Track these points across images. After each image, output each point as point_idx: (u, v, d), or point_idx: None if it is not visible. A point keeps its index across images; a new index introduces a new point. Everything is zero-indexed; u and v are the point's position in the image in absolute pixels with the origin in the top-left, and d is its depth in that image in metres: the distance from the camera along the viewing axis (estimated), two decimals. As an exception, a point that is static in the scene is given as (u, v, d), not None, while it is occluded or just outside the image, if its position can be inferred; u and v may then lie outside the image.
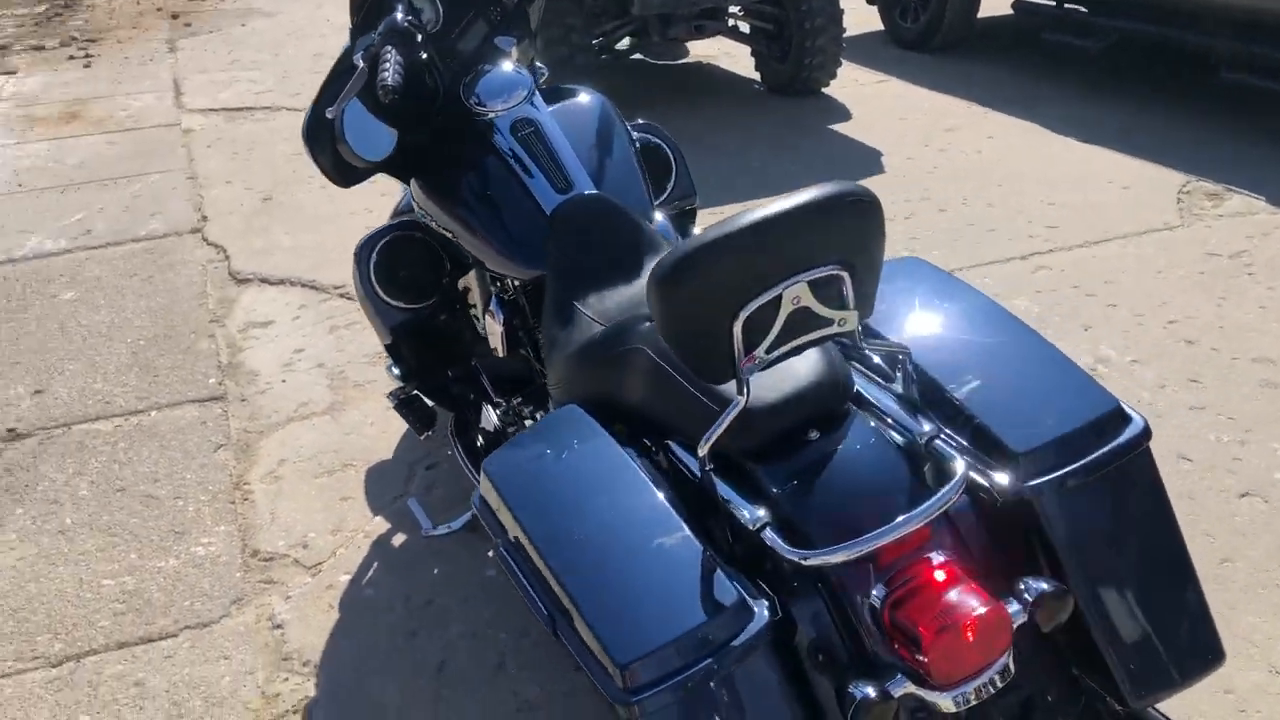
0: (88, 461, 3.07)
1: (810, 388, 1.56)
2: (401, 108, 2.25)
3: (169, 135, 5.95)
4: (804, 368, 1.57)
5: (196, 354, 3.64)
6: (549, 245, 2.17)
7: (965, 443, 1.56)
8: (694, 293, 1.38)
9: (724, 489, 1.53)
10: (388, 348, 2.65)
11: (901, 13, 6.80)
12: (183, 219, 4.82)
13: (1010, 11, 6.25)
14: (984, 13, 6.80)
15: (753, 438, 1.54)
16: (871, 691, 1.34)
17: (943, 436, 1.57)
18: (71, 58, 8.18)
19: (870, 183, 4.67)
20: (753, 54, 6.17)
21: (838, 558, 1.39)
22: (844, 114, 5.68)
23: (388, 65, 2.05)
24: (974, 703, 1.39)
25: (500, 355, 2.39)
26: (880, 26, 7.07)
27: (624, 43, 5.98)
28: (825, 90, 6.02)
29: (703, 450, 1.48)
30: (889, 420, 1.61)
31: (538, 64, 2.84)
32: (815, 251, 1.40)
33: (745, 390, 1.44)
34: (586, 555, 1.46)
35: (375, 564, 2.60)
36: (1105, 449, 1.53)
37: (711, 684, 1.33)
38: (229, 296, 4.06)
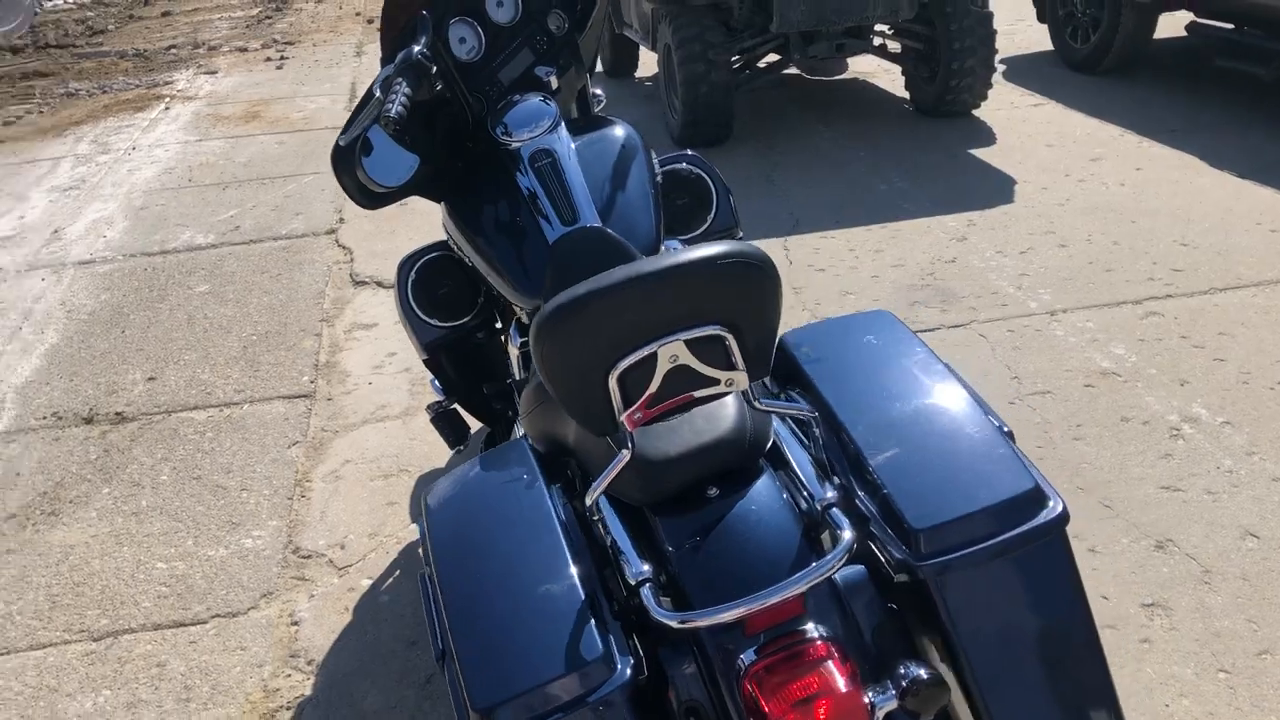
0: (175, 449, 3.30)
1: (711, 444, 1.54)
2: (420, 136, 2.33)
3: (332, 137, 6.30)
4: (708, 423, 1.56)
5: (299, 351, 3.85)
6: (547, 276, 2.20)
7: (874, 512, 1.51)
8: (567, 345, 1.38)
9: (622, 540, 1.53)
10: (426, 363, 2.74)
11: (1072, 32, 6.48)
12: (322, 220, 5.09)
13: (1185, 34, 5.87)
14: (1160, 33, 6.41)
15: (650, 490, 1.53)
16: None
17: (849, 503, 1.52)
18: (268, 59, 8.74)
19: (992, 214, 4.49)
20: (903, 73, 6.03)
21: (701, 622, 1.37)
22: (988, 138, 5.47)
23: (394, 97, 2.13)
24: None
25: (518, 378, 2.44)
26: (1050, 46, 6.77)
27: (769, 59, 5.95)
28: (975, 112, 5.82)
29: (589, 500, 1.49)
30: (798, 482, 1.57)
31: (596, 91, 2.88)
32: (691, 311, 1.38)
33: (630, 444, 1.44)
34: (477, 593, 1.49)
35: (398, 570, 2.70)
36: (1013, 532, 1.45)
37: None
38: (344, 297, 4.27)
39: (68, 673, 2.46)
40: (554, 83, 2.53)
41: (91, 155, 6.46)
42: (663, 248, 2.41)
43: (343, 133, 2.37)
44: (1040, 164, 5.05)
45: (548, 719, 1.33)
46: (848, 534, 1.43)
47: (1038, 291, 3.81)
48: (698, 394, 1.43)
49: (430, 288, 2.67)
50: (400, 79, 2.20)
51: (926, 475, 1.52)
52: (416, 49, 2.26)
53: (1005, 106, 5.92)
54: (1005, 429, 1.62)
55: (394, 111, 2.13)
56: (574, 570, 1.46)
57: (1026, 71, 6.53)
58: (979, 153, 5.27)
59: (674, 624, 1.38)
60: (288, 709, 2.31)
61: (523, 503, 1.59)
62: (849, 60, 6.71)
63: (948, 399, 1.64)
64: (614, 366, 1.37)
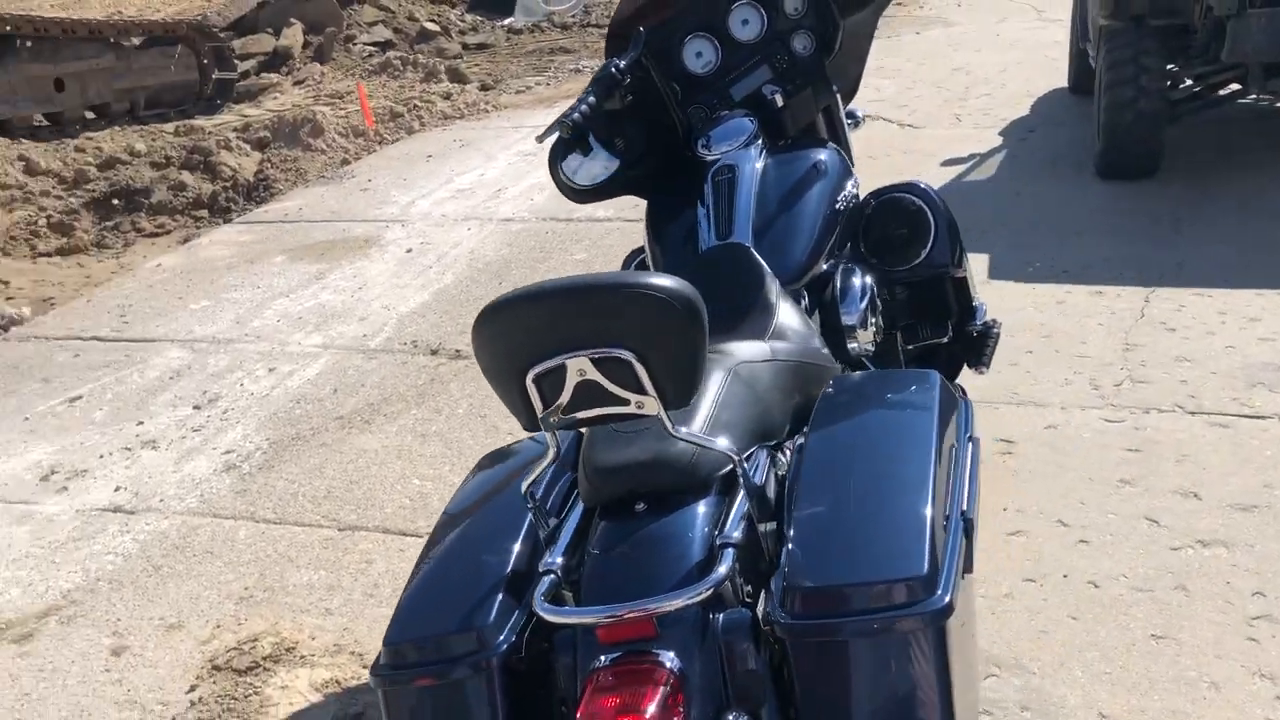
0: (481, 389, 3.76)
1: (647, 461, 1.59)
2: (634, 140, 2.51)
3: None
4: (655, 441, 1.60)
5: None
6: None
7: (779, 561, 1.50)
8: (490, 345, 1.51)
9: (560, 531, 1.64)
10: None
11: None
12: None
13: None
14: None
15: (587, 492, 1.62)
16: None
17: (763, 548, 1.53)
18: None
19: None
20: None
21: (556, 618, 1.46)
22: None
23: (577, 105, 2.34)
24: None
25: None
26: None
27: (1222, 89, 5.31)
28: None
29: (523, 489, 1.62)
30: (726, 516, 1.58)
31: (858, 112, 2.89)
32: (597, 331, 1.44)
33: (555, 444, 1.55)
34: (441, 549, 1.70)
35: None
36: (887, 612, 1.38)
37: (439, 684, 1.51)
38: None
39: (306, 550, 2.98)
40: (779, 101, 2.59)
41: (567, 126, 7.30)
42: (822, 267, 2.41)
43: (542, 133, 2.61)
44: None
45: (430, 666, 1.50)
46: (716, 572, 1.44)
47: None
48: (606, 411, 1.50)
49: None
50: (591, 89, 2.40)
51: (832, 537, 1.48)
52: (616, 63, 2.43)
53: None
54: (967, 516, 1.52)
55: (570, 119, 2.34)
56: (515, 548, 1.61)
57: None
58: None
59: (541, 614, 1.48)
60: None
61: (510, 485, 1.77)
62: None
63: (910, 469, 1.56)
64: (529, 370, 1.49)
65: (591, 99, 2.39)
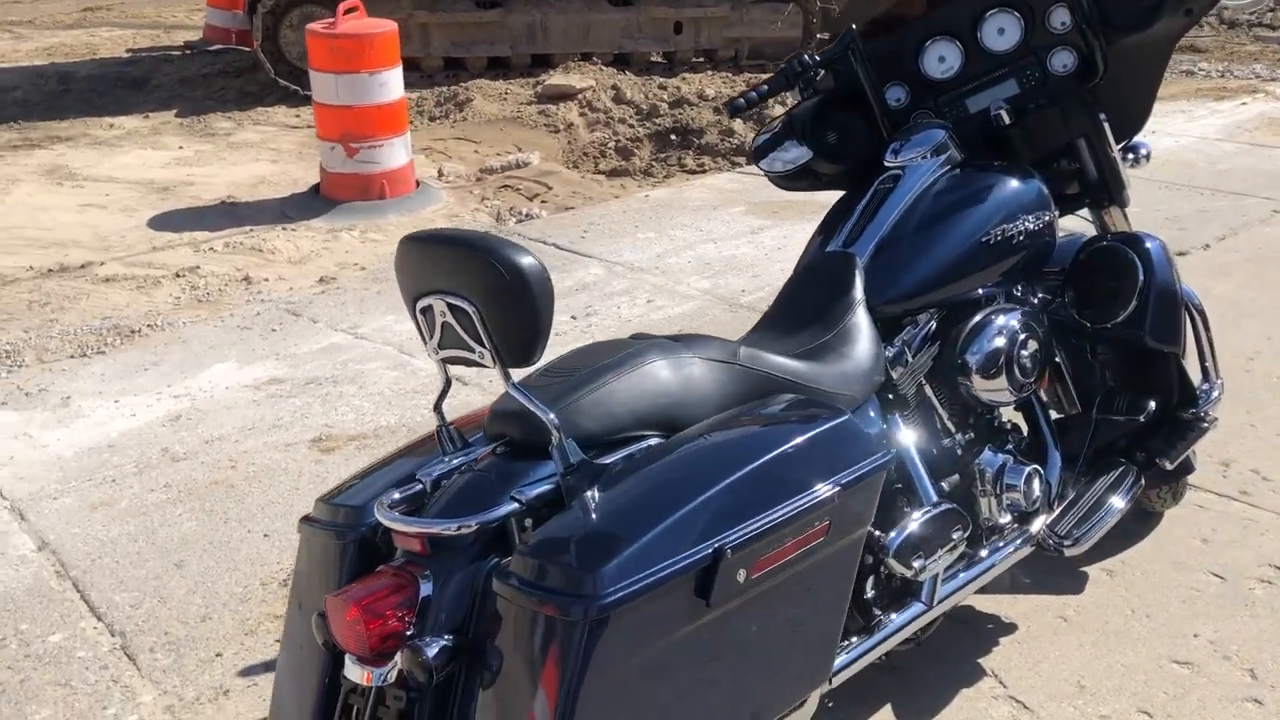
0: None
1: (504, 410, 1.81)
2: (840, 134, 2.57)
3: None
4: (515, 399, 1.80)
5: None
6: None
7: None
8: (397, 274, 1.81)
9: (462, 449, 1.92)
10: None
11: None
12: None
13: None
14: None
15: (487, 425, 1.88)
16: None
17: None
18: None
19: None
20: None
21: (375, 517, 1.76)
22: None
23: (749, 91, 2.49)
24: (365, 685, 1.69)
25: None
26: None
27: None
28: None
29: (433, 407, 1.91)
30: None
31: (1142, 148, 2.67)
32: (451, 282, 1.68)
33: (443, 373, 1.84)
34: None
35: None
36: (543, 591, 1.52)
37: (322, 541, 1.92)
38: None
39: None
40: (1005, 119, 2.49)
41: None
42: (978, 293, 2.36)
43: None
44: None
45: (321, 525, 1.87)
46: (480, 516, 1.65)
47: None
48: (459, 354, 1.74)
49: None
50: (770, 79, 2.52)
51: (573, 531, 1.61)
52: (804, 57, 2.50)
53: None
54: (720, 549, 1.58)
55: (735, 102, 2.49)
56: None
57: None
58: None
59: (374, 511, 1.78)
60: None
61: None
62: None
63: (708, 495, 1.65)
64: (414, 302, 1.79)
65: (765, 88, 2.51)
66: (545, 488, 1.73)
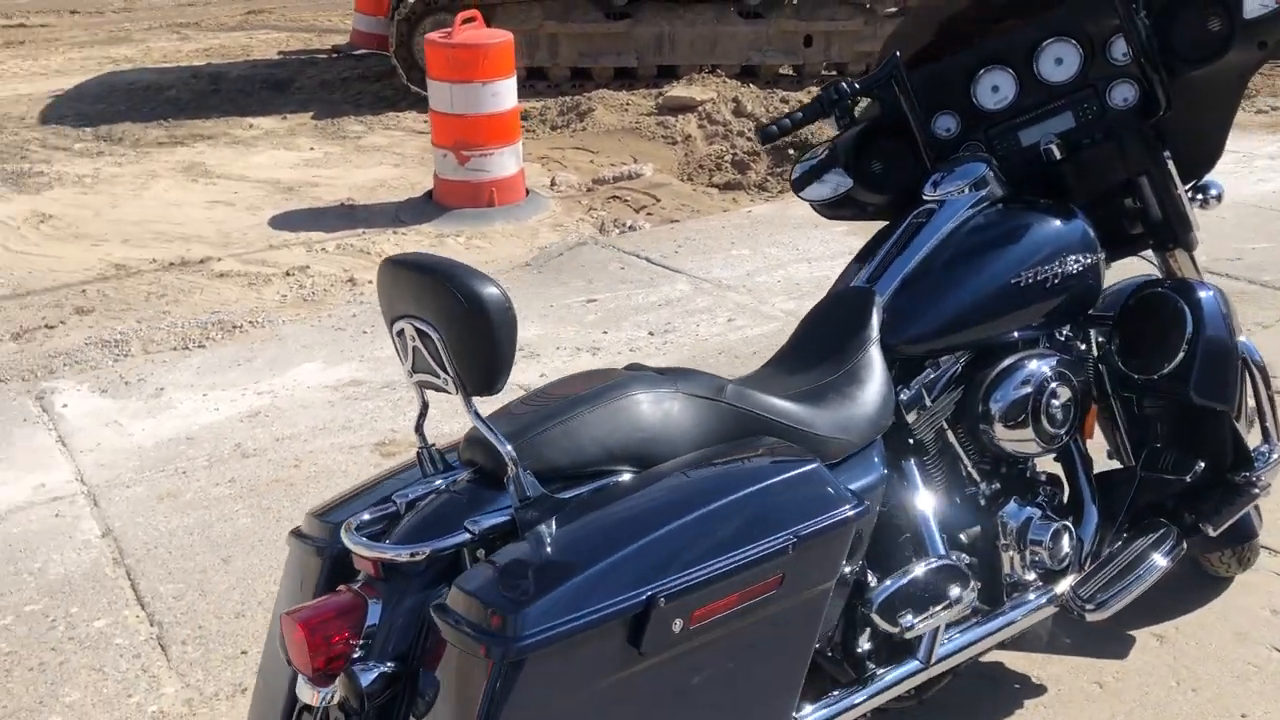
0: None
1: (477, 440, 1.80)
2: (883, 164, 2.49)
3: None
4: (499, 423, 1.79)
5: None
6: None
7: None
8: (377, 294, 1.83)
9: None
10: None
11: None
12: None
13: None
14: None
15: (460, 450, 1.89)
16: None
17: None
18: None
19: None
20: None
21: (342, 540, 1.78)
22: None
23: (781, 119, 2.42)
24: (314, 705, 1.72)
25: None
26: None
27: None
28: None
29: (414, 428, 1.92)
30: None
31: (1213, 188, 2.51)
32: (418, 305, 1.69)
33: (419, 396, 1.85)
34: None
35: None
36: (469, 627, 1.51)
37: (302, 553, 1.96)
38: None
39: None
40: (1055, 153, 2.38)
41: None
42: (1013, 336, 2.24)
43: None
44: None
45: (304, 539, 1.92)
46: (428, 544, 1.65)
47: None
48: (427, 379, 1.75)
49: None
50: (805, 106, 2.45)
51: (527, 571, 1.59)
52: (843, 85, 2.42)
53: None
54: (655, 598, 1.54)
55: (770, 128, 2.43)
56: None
57: None
58: None
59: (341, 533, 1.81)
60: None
61: None
62: None
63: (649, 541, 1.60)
64: (391, 323, 1.80)
65: (799, 114, 2.44)
66: (500, 519, 1.72)
